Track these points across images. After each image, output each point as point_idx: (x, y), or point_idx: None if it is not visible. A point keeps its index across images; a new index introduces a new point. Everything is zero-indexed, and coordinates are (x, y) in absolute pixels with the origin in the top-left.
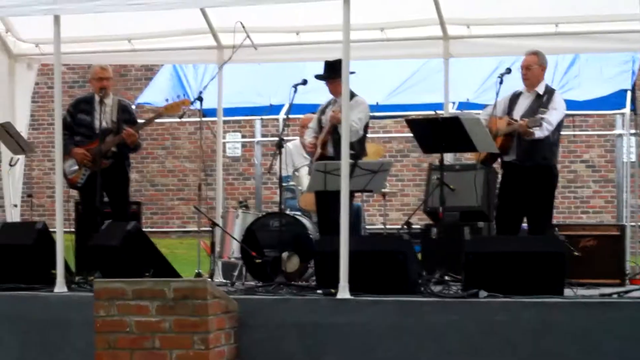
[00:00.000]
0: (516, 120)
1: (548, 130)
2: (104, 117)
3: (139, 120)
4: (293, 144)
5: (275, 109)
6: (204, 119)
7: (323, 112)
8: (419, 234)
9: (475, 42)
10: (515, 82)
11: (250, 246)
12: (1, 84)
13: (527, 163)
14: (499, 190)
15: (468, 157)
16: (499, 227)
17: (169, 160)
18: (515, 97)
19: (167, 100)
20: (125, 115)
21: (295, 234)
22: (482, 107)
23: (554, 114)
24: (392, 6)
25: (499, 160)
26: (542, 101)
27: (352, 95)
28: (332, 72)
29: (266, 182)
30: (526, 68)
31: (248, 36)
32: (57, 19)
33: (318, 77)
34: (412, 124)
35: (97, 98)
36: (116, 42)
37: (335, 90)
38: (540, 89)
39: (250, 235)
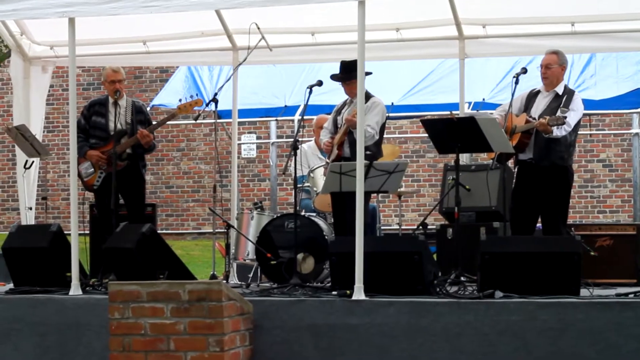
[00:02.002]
0: (535, 119)
1: (566, 131)
2: (118, 119)
3: (154, 121)
4: (308, 145)
5: (290, 110)
6: (219, 120)
7: (339, 112)
8: (435, 234)
9: (491, 42)
10: (530, 82)
11: (265, 247)
12: (16, 87)
13: (544, 162)
14: (513, 189)
15: (484, 157)
16: (513, 227)
17: (184, 162)
18: (532, 96)
19: (180, 100)
20: (140, 116)
21: (310, 235)
22: (498, 107)
23: (573, 115)
24: (407, 6)
25: (513, 158)
26: (561, 101)
27: (369, 96)
28: (348, 72)
29: (281, 184)
30: (546, 67)
31: (263, 37)
32: (71, 21)
33: (334, 77)
34: (428, 124)
35: (111, 100)
36: (131, 44)
37: (351, 91)
38: (560, 89)
39: (265, 236)
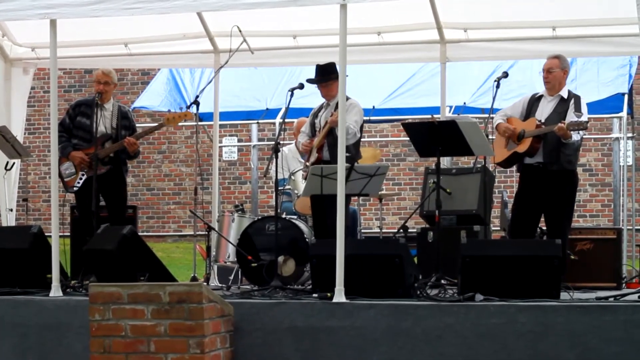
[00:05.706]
0: (543, 123)
1: (581, 135)
2: (102, 121)
3: (138, 127)
4: (289, 148)
5: (271, 113)
6: (200, 123)
7: (316, 115)
8: (415, 237)
9: (472, 46)
10: (511, 87)
11: (246, 250)
12: None
13: (554, 166)
14: (516, 193)
15: (465, 161)
16: (514, 231)
17: (165, 164)
18: (535, 100)
19: (168, 110)
20: (125, 121)
21: (291, 238)
22: (479, 111)
23: (585, 118)
24: (389, 10)
25: (491, 161)
26: (568, 105)
27: (346, 98)
28: (324, 75)
29: (262, 186)
30: (547, 71)
31: (245, 40)
32: (53, 23)
33: (310, 81)
34: (409, 127)
35: (98, 102)
36: (113, 47)
37: (327, 93)
38: (564, 93)
39: (246, 239)
